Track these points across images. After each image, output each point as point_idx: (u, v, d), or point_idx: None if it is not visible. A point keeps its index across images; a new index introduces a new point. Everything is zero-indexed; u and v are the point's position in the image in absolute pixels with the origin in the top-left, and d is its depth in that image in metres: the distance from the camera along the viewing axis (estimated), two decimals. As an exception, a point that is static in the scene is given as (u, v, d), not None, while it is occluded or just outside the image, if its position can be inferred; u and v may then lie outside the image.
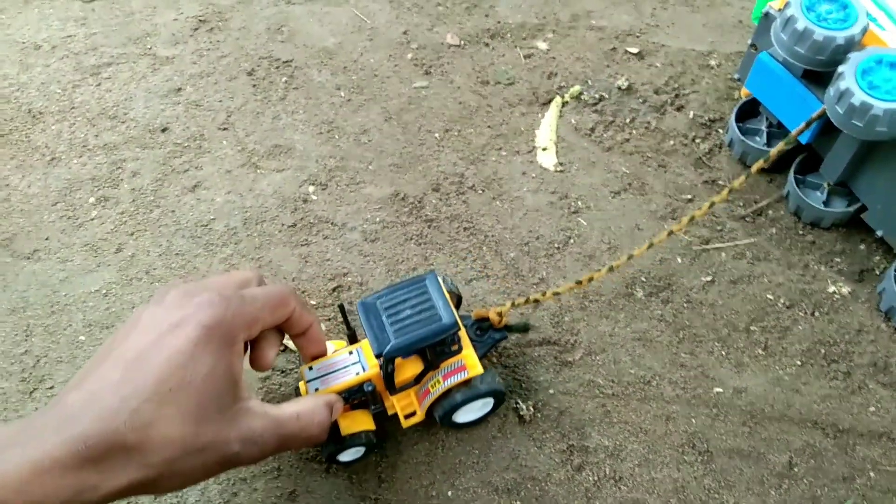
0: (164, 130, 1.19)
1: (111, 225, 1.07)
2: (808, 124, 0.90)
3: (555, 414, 0.89)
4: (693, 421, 0.88)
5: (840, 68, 0.84)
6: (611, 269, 0.86)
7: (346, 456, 0.81)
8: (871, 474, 0.85)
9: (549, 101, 1.20)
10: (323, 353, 0.73)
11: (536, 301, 0.87)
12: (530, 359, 0.93)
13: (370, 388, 0.77)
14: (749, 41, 1.05)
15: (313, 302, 0.98)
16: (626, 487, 0.84)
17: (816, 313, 0.96)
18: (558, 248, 1.03)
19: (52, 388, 0.91)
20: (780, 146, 0.90)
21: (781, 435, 0.87)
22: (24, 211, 1.08)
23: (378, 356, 0.74)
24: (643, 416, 0.89)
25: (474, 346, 0.83)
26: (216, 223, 1.07)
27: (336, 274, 1.01)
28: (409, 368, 0.80)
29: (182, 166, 1.14)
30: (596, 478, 0.84)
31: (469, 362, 0.80)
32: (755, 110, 1.10)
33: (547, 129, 1.17)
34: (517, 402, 0.89)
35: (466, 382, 0.80)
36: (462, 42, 1.31)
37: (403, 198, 1.09)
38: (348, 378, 0.76)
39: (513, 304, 0.87)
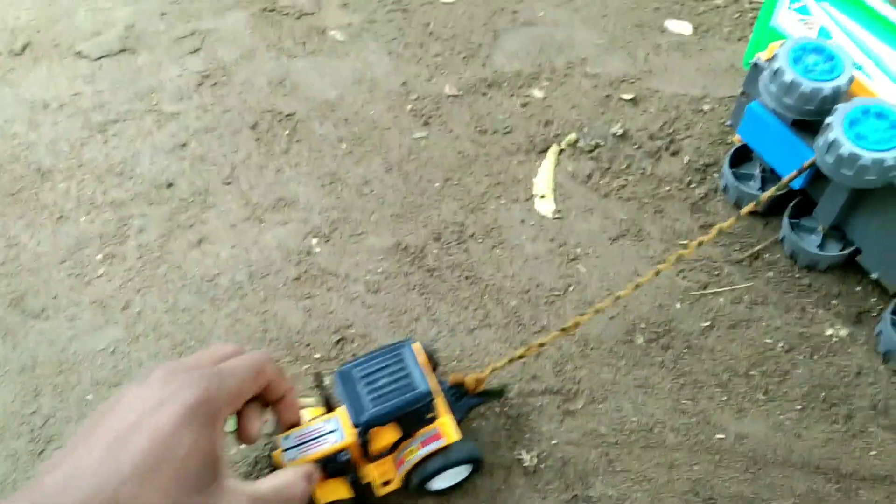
0: (169, 186, 1.21)
1: (118, 281, 1.09)
2: (799, 172, 0.92)
3: (559, 464, 0.89)
4: (696, 468, 0.89)
5: (828, 119, 0.86)
6: (596, 311, 0.87)
7: None
8: (876, 519, 0.85)
9: (547, 149, 1.23)
10: (298, 422, 0.73)
11: (521, 357, 0.88)
12: (533, 408, 0.94)
13: (345, 458, 0.77)
14: (740, 88, 1.07)
15: (318, 355, 1.00)
16: (632, 537, 0.84)
17: (815, 356, 0.96)
18: (558, 295, 1.05)
19: (60, 447, 0.92)
20: (771, 191, 0.92)
21: (784, 481, 0.88)
22: (32, 269, 1.10)
23: (355, 425, 0.74)
24: (646, 465, 0.89)
25: (451, 411, 0.83)
26: (221, 277, 1.09)
27: (340, 326, 1.03)
28: (385, 436, 0.80)
29: (187, 221, 1.16)
30: (601, 528, 0.85)
31: (445, 429, 0.80)
32: (749, 155, 1.12)
33: (544, 176, 1.19)
34: (521, 453, 0.90)
35: (443, 449, 0.80)
36: (460, 92, 1.34)
37: (405, 248, 1.11)
38: (324, 447, 0.75)
39: (493, 369, 0.88)
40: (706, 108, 1.26)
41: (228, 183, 1.22)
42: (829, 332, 0.98)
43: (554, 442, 0.91)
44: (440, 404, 0.82)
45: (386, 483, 0.83)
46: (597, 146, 1.22)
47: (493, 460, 0.90)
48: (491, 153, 1.24)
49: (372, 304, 1.05)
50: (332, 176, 1.22)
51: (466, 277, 1.08)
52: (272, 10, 1.52)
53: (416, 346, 0.83)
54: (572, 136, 1.24)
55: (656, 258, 1.07)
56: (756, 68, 1.00)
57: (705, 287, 1.04)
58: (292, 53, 1.44)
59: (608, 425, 0.92)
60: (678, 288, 1.04)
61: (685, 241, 1.08)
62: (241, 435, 0.68)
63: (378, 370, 0.77)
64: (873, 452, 0.89)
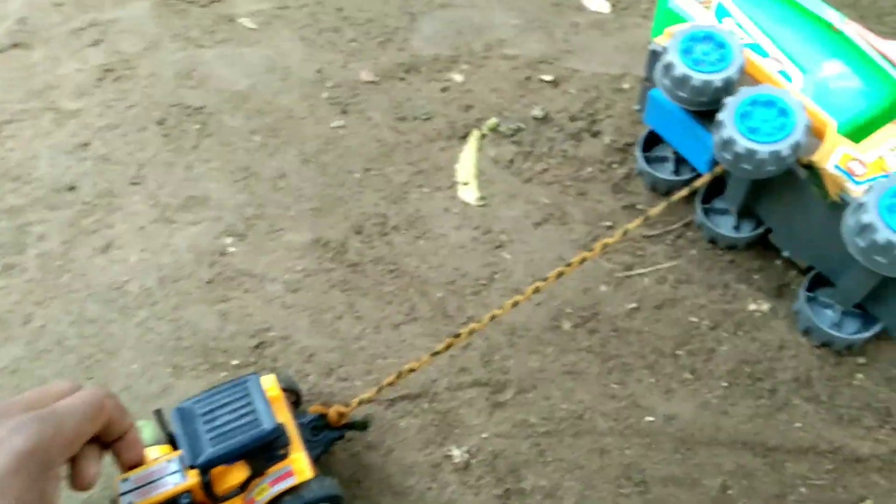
0: (71, 189, 1.14)
1: (17, 294, 1.02)
2: (712, 177, 0.92)
3: (490, 458, 0.87)
4: (627, 452, 0.88)
5: (719, 116, 0.86)
6: (493, 317, 0.85)
7: None
8: (802, 490, 0.86)
9: (468, 135, 1.20)
10: (140, 462, 0.67)
11: (391, 384, 0.85)
12: (462, 402, 0.92)
13: (186, 501, 0.70)
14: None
15: (236, 362, 0.95)
16: (565, 527, 0.83)
17: (739, 332, 0.97)
18: (484, 284, 1.03)
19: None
20: (686, 191, 0.91)
21: (713, 459, 0.88)
22: (-79, 286, 1.03)
23: (191, 467, 0.69)
24: (578, 452, 0.88)
25: (309, 447, 0.78)
26: (130, 284, 1.03)
27: (258, 330, 0.98)
28: (233, 475, 0.74)
29: (92, 226, 1.10)
30: (534, 520, 0.84)
31: (298, 466, 0.75)
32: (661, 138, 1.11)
33: (467, 163, 1.17)
34: (451, 449, 0.88)
35: (297, 488, 0.74)
36: (377, 78, 1.30)
37: (325, 243, 1.07)
38: (165, 490, 0.69)
39: (360, 401, 0.84)
40: (626, 86, 1.25)
41: (135, 183, 1.15)
42: (752, 307, 0.99)
43: (484, 435, 0.89)
44: (294, 439, 0.76)
45: None
46: (518, 130, 1.20)
47: (422, 458, 0.87)
48: (411, 140, 1.20)
49: (292, 304, 1.01)
50: (246, 170, 1.16)
51: (390, 271, 1.04)
52: (176, -2, 1.45)
53: (268, 379, 0.78)
54: (493, 121, 1.21)
55: (580, 241, 1.06)
56: (654, 55, 0.98)
57: (630, 268, 1.03)
58: (200, 43, 1.37)
59: (538, 415, 0.91)
60: (603, 270, 1.03)
61: (609, 224, 1.07)
62: (76, 481, 0.61)
63: (220, 406, 0.72)
64: (797, 425, 0.90)
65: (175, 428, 0.71)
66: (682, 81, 0.89)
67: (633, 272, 1.03)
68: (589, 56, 1.31)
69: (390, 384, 0.84)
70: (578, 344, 0.97)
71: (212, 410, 0.72)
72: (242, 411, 0.71)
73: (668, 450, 0.88)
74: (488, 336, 0.97)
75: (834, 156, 0.84)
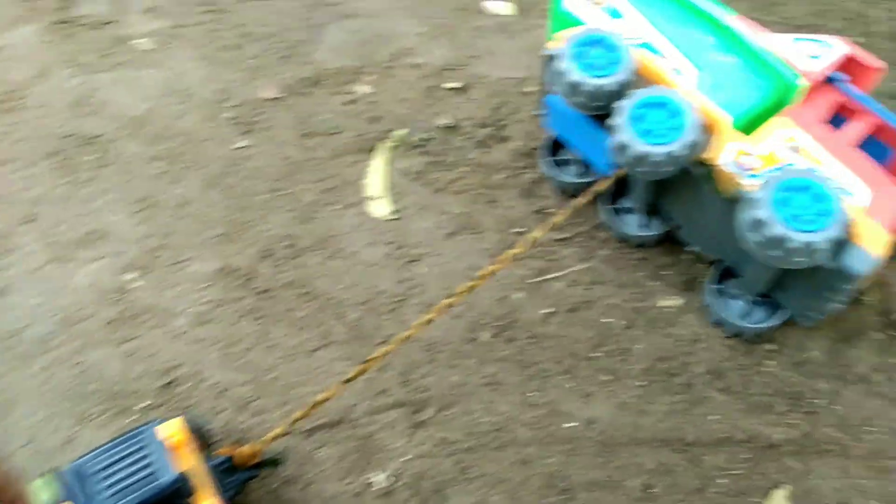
0: (-42, 233, 1.08)
1: None
2: (614, 180, 0.92)
3: (413, 480, 0.86)
4: (550, 461, 0.88)
5: (613, 120, 0.86)
6: (406, 338, 0.84)
7: None
8: (721, 481, 0.87)
9: (376, 148, 1.18)
10: None
11: (304, 416, 0.82)
12: (382, 426, 0.90)
13: None
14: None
15: (144, 403, 0.92)
16: (493, 543, 0.83)
17: (653, 329, 0.98)
18: (400, 301, 1.01)
19: None
20: (589, 195, 0.91)
21: (635, 459, 0.89)
22: None
23: None
24: (501, 465, 0.88)
25: (221, 490, 0.76)
26: (29, 330, 0.98)
27: (167, 367, 0.95)
28: None
29: (-17, 271, 1.04)
30: (461, 539, 0.83)
31: None
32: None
33: (377, 176, 1.15)
34: (373, 476, 0.86)
35: None
36: (281, 94, 1.27)
37: (233, 270, 1.04)
38: None
39: (274, 437, 0.81)
40: (531, 89, 1.25)
41: (29, 222, 1.10)
42: (664, 303, 1.00)
43: (406, 458, 0.88)
44: (203, 485, 0.74)
45: None
46: (427, 140, 1.19)
47: (344, 488, 0.86)
48: (319, 157, 1.18)
49: (201, 337, 0.97)
50: (147, 200, 1.12)
51: (303, 294, 1.02)
52: (65, 22, 1.38)
53: (172, 424, 0.75)
54: (401, 132, 1.20)
55: (493, 250, 1.05)
56: (549, 60, 0.98)
57: (543, 273, 1.03)
58: (94, 68, 1.31)
59: (460, 430, 0.90)
60: (516, 277, 1.03)
61: (520, 230, 1.07)
62: None
63: (116, 461, 0.69)
64: (713, 417, 0.91)
65: (68, 489, 0.67)
66: (576, 87, 0.89)
67: (546, 277, 1.03)
68: (494, 60, 1.30)
69: (303, 417, 0.82)
70: (497, 354, 0.96)
71: (108, 466, 0.68)
72: (140, 464, 0.68)
73: (591, 454, 0.89)
74: (406, 354, 0.96)
75: (727, 152, 0.85)
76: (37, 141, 1.20)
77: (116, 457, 0.69)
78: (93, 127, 1.22)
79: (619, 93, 0.88)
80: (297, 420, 0.82)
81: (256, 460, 0.81)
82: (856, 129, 0.89)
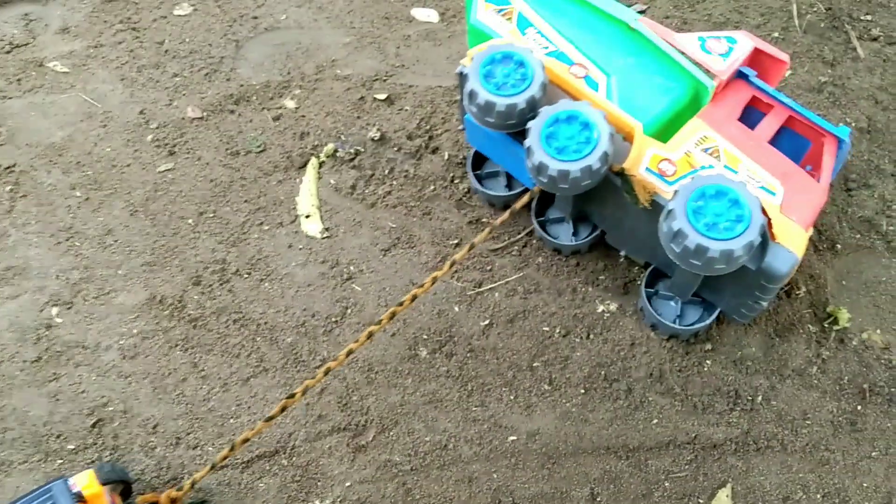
0: None
1: None
2: (529, 198, 0.91)
3: (355, 506, 0.84)
4: (494, 476, 0.87)
5: (526, 142, 0.85)
6: (327, 371, 0.82)
7: None
8: (666, 484, 0.88)
9: (306, 164, 1.16)
10: None
11: (225, 458, 0.81)
12: (322, 452, 0.88)
13: None
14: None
15: (71, 446, 0.88)
16: (440, 565, 0.81)
17: (591, 335, 0.98)
18: (336, 321, 0.99)
19: None
20: (517, 206, 0.90)
21: (579, 468, 0.88)
22: None
23: None
24: (445, 485, 0.86)
25: None
26: (-57, 376, 0.93)
27: (95, 406, 0.91)
28: None
29: None
30: (408, 563, 0.81)
31: None
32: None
33: (307, 194, 1.12)
34: (314, 505, 0.84)
35: None
36: (205, 113, 1.23)
37: (161, 300, 1.01)
38: None
39: (192, 483, 0.80)
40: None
41: (-60, 260, 1.04)
42: (601, 308, 1.00)
43: (347, 484, 0.86)
44: None
45: None
46: (357, 154, 1.16)
47: (284, 521, 0.83)
48: (247, 176, 1.15)
49: (130, 372, 0.94)
50: (68, 230, 1.08)
51: (235, 321, 0.99)
52: (-27, 46, 1.32)
53: (84, 476, 0.72)
54: (330, 147, 1.17)
55: (430, 263, 1.04)
56: (463, 77, 0.96)
57: (480, 285, 1.02)
58: (5, 94, 1.26)
59: (402, 452, 0.89)
60: (454, 290, 1.01)
61: (456, 241, 1.06)
62: None
63: None
64: (655, 420, 0.91)
65: None
66: (488, 108, 0.88)
67: (483, 288, 1.02)
68: (422, 69, 1.29)
69: (226, 457, 0.79)
70: (437, 370, 0.95)
71: None
72: None
73: (535, 467, 0.88)
74: (344, 376, 0.94)
75: (644, 159, 0.85)
76: (-53, 174, 1.14)
77: None
78: (6, 157, 1.17)
79: (531, 108, 0.87)
80: (217, 464, 0.79)
81: None
82: (769, 123, 0.90)
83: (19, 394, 0.92)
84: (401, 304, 0.83)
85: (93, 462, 0.87)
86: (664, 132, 0.89)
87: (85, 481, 0.72)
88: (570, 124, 0.83)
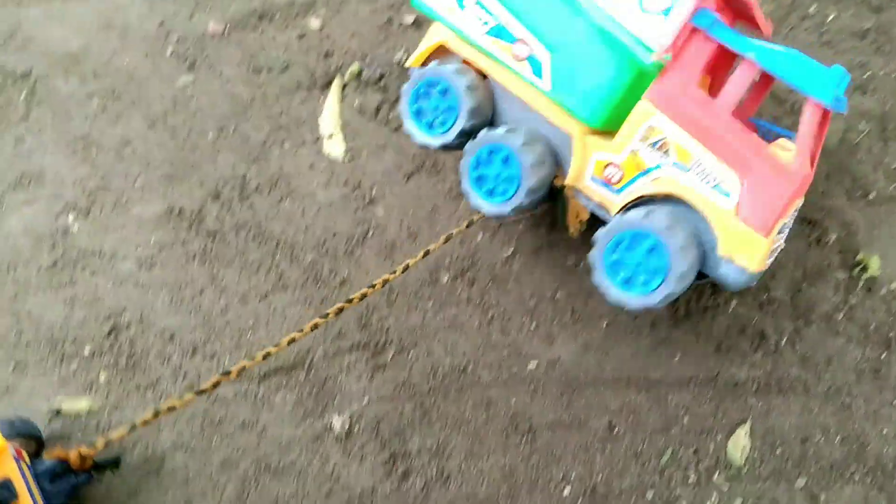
0: None
1: None
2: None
3: (372, 424, 0.84)
4: (513, 401, 0.87)
5: (463, 188, 0.82)
6: (314, 327, 0.81)
7: None
8: (685, 419, 0.87)
9: (329, 84, 1.13)
10: None
11: (157, 415, 0.76)
12: (340, 369, 0.87)
13: None
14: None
15: (87, 351, 0.87)
16: (455, 485, 0.81)
17: (617, 269, 0.96)
18: (357, 243, 0.97)
19: None
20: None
21: (598, 399, 0.87)
22: None
23: None
24: (463, 407, 0.86)
25: (48, 496, 0.71)
26: (-42, 277, 0.92)
27: (111, 313, 0.90)
28: None
29: None
30: (423, 482, 0.81)
31: None
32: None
33: (330, 114, 1.09)
34: (331, 420, 0.83)
35: None
36: (227, 28, 1.19)
37: (180, 213, 0.99)
38: None
39: (106, 442, 0.75)
40: (491, 24, 1.20)
41: (-45, 162, 1.02)
42: (628, 242, 0.98)
43: (365, 401, 0.85)
44: (22, 494, 0.68)
45: None
46: (382, 76, 1.13)
47: (301, 432, 0.83)
48: (269, 94, 1.12)
49: (146, 282, 0.92)
50: (85, 140, 1.05)
51: (254, 237, 0.97)
52: (-10, -50, 1.28)
53: None
54: (355, 68, 1.14)
55: (454, 191, 1.01)
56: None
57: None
58: (20, 2, 1.22)
59: (420, 373, 0.88)
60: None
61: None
62: None
63: None
64: (677, 357, 0.90)
65: None
66: (426, 147, 0.85)
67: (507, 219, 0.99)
68: (452, -5, 1.25)
69: (146, 422, 0.75)
70: (458, 296, 0.93)
71: None
72: None
73: (554, 394, 0.87)
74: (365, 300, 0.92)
75: (588, 167, 0.79)
76: (-39, 77, 1.12)
77: None
78: (22, 63, 1.14)
79: (469, 133, 0.82)
80: (140, 425, 0.76)
81: (89, 464, 0.75)
82: (734, 86, 0.75)
83: (35, 298, 0.90)
84: (350, 300, 0.83)
85: (109, 367, 0.86)
86: (615, 121, 0.78)
87: None
88: (495, 157, 0.79)
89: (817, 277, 0.97)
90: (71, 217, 0.98)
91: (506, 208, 0.79)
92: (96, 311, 0.90)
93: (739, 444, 0.86)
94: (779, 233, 0.76)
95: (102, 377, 0.85)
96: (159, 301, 0.91)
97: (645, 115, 0.75)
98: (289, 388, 0.85)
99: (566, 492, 0.81)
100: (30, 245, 0.95)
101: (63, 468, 0.73)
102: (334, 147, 1.06)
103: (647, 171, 0.76)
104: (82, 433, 0.81)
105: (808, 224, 0.99)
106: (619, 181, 0.77)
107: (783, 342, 0.92)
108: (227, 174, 1.02)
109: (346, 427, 0.83)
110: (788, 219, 0.78)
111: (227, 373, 0.76)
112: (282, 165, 1.04)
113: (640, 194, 0.76)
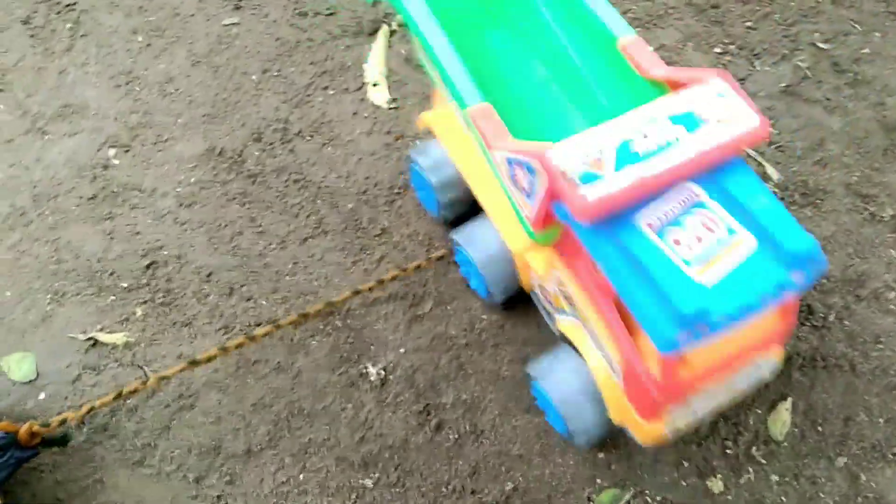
0: (-79, 98, 1.00)
1: None
2: None
3: (408, 374, 0.83)
4: (551, 361, 0.85)
5: None
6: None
7: None
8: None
9: (376, 31, 1.10)
10: None
11: (90, 411, 0.75)
12: (378, 318, 0.86)
13: None
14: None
15: (125, 284, 0.86)
16: (489, 441, 0.80)
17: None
18: (399, 193, 0.96)
19: None
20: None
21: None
22: None
23: None
24: (499, 364, 0.84)
25: None
26: (-1, 204, 0.92)
27: (149, 248, 0.89)
28: None
29: (-51, 139, 0.96)
30: (456, 435, 0.80)
31: None
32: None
33: (376, 62, 1.07)
34: (366, 367, 0.82)
35: None
36: (274, -31, 1.17)
37: (221, 152, 0.97)
38: None
39: (61, 421, 0.74)
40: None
41: (-1, 90, 1.01)
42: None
43: (401, 350, 0.84)
44: None
45: None
46: (431, 25, 1.10)
47: (336, 378, 0.82)
48: (314, 38, 1.09)
49: (185, 219, 0.91)
50: (128, 74, 1.04)
51: (295, 181, 0.96)
52: None
53: None
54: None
55: (500, 144, 0.99)
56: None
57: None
58: (68, -69, 1.20)
59: (458, 326, 0.86)
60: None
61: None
62: None
63: None
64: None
65: None
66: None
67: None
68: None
69: (103, 405, 0.75)
70: (499, 252, 0.91)
71: None
72: None
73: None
74: (405, 246, 0.91)
75: (532, 281, 0.78)
76: (6, 6, 1.10)
77: None
78: (68, -6, 1.12)
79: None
80: (98, 406, 0.75)
81: (37, 440, 0.73)
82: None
83: (74, 228, 0.90)
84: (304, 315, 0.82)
85: (145, 302, 0.85)
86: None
87: None
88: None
89: (870, 253, 0.94)
90: (112, 151, 0.97)
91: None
92: (135, 246, 0.89)
93: (780, 420, 0.84)
94: (697, 403, 0.68)
95: (139, 311, 0.84)
96: (198, 239, 0.90)
97: (551, 264, 0.71)
98: (325, 333, 0.84)
99: (601, 455, 0.79)
100: (71, 176, 0.94)
101: (9, 441, 0.71)
102: (378, 95, 1.04)
103: (564, 312, 0.74)
104: (118, 364, 0.81)
105: (862, 199, 0.96)
106: (553, 305, 0.76)
107: (831, 317, 0.89)
108: (269, 117, 1.01)
109: (382, 376, 0.82)
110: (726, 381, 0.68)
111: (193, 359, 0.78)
112: (325, 111, 1.02)
113: (563, 332, 0.75)
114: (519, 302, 0.83)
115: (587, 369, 0.71)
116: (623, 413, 0.69)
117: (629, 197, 0.57)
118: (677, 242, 0.58)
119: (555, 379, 0.73)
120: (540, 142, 0.60)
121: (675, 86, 0.67)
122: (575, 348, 0.73)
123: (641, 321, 0.57)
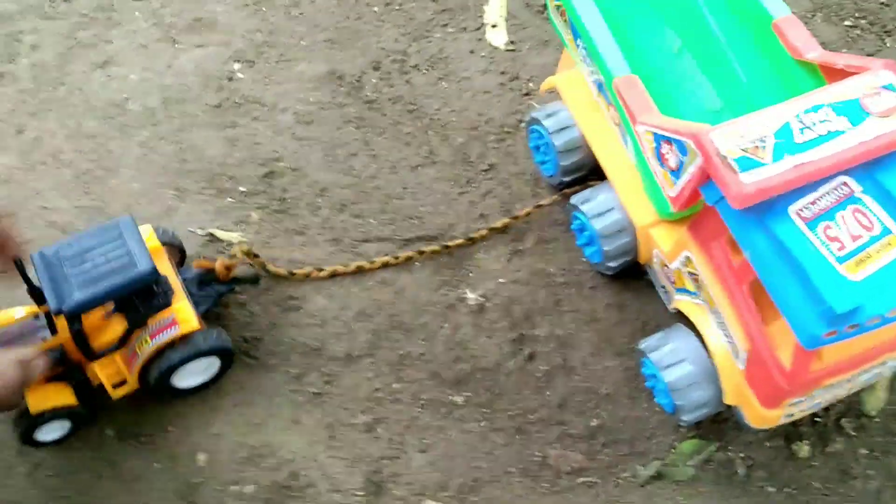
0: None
1: (9, 104, 0.95)
2: None
3: (505, 303, 0.84)
4: (647, 309, 0.85)
5: None
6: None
7: (46, 434, 0.68)
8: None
9: (499, -26, 1.11)
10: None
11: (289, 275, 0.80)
12: (479, 248, 0.88)
13: (55, 356, 0.64)
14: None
15: (243, 189, 0.90)
16: (579, 377, 0.81)
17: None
18: (509, 132, 0.97)
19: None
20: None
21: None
22: None
23: (57, 313, 0.62)
24: (595, 305, 0.85)
25: (194, 302, 0.72)
26: (131, 103, 0.96)
27: (268, 159, 0.93)
28: (110, 329, 0.67)
29: (90, 40, 1.01)
30: (547, 367, 0.81)
31: (181, 316, 0.69)
32: None
33: (496, 4, 1.08)
34: (465, 292, 0.84)
35: (183, 339, 0.69)
36: None
37: (340, 77, 1.00)
38: (31, 346, 0.64)
39: (246, 252, 0.78)
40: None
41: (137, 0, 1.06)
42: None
43: (501, 280, 0.86)
44: (177, 291, 0.70)
45: (119, 384, 0.70)
46: (554, -27, 1.10)
47: (436, 298, 0.84)
48: (437, -23, 1.11)
49: (303, 136, 0.95)
50: (257, -5, 1.08)
51: (409, 111, 0.98)
52: None
53: (145, 229, 0.71)
54: (527, -39, 1.12)
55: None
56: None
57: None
58: None
59: (558, 265, 0.87)
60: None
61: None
62: None
63: (90, 249, 0.64)
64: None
65: (37, 274, 0.63)
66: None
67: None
68: None
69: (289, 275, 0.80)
70: (604, 199, 0.92)
71: (80, 254, 0.64)
72: (115, 253, 0.64)
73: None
74: (510, 184, 0.92)
75: (654, 258, 0.78)
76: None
77: (90, 245, 0.65)
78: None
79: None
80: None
81: (232, 275, 0.77)
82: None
83: (199, 132, 0.94)
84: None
85: (261, 208, 0.89)
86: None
87: (146, 233, 0.71)
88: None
89: None
90: (237, 65, 1.00)
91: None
92: (254, 154, 0.93)
93: (875, 396, 0.83)
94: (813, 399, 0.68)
95: (255, 215, 0.88)
96: (314, 156, 0.93)
97: (683, 244, 0.71)
98: (427, 256, 0.87)
99: (688, 404, 0.80)
100: (198, 84, 0.98)
101: (208, 277, 0.76)
102: (496, 37, 1.05)
103: (687, 292, 0.73)
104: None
105: None
106: (674, 283, 0.75)
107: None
108: (389, 47, 1.03)
109: (480, 302, 0.84)
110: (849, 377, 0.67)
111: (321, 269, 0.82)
112: (442, 47, 1.04)
113: (682, 310, 0.74)
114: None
115: (702, 350, 0.71)
116: (740, 397, 0.69)
117: (787, 186, 0.57)
118: (829, 237, 0.57)
119: (668, 357, 0.72)
120: (697, 123, 0.61)
121: (829, 71, 0.66)
122: (692, 327, 0.73)
123: (787, 314, 0.57)
